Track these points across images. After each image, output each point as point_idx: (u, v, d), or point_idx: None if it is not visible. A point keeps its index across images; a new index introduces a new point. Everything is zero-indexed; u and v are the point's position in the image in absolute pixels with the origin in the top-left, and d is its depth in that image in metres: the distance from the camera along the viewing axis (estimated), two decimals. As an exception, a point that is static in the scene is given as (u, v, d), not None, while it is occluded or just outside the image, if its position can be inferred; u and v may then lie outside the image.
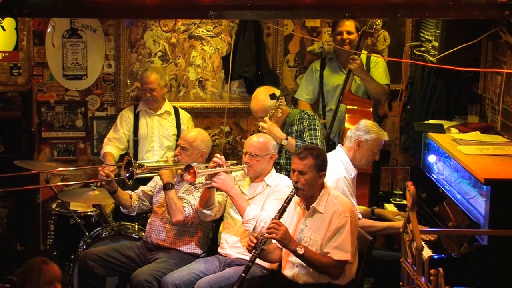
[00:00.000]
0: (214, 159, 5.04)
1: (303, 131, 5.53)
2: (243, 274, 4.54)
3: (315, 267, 4.55)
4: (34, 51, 6.52)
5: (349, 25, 6.03)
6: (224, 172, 4.98)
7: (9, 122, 6.77)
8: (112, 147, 6.21)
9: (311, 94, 6.32)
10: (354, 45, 6.03)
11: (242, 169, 5.16)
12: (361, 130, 5.26)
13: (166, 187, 5.20)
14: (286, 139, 5.40)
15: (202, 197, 5.10)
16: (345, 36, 6.03)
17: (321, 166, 4.62)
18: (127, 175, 5.12)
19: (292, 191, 4.63)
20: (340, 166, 5.17)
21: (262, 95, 5.56)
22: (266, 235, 4.52)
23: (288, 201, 4.63)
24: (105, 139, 6.30)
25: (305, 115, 5.59)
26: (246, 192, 5.17)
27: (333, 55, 6.28)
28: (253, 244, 4.53)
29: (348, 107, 5.94)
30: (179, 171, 5.39)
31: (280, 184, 5.11)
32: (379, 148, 5.31)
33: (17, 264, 6.33)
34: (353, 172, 5.24)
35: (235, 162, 5.38)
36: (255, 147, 5.13)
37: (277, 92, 5.56)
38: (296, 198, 4.73)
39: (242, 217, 4.95)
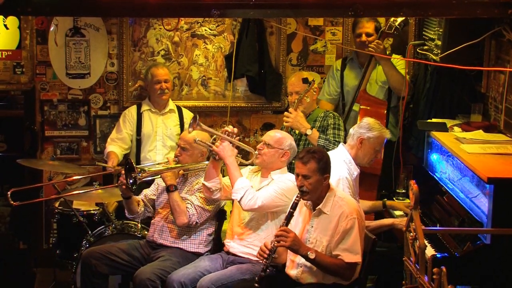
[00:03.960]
0: (225, 128, 5.10)
1: (326, 128, 5.56)
2: (256, 285, 4.54)
3: (326, 270, 4.55)
4: (37, 50, 6.53)
5: (368, 26, 6.02)
6: (229, 142, 5.04)
7: (12, 121, 6.77)
8: (116, 146, 6.20)
9: (332, 93, 6.32)
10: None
11: (251, 152, 5.23)
12: (364, 127, 5.26)
13: (169, 189, 5.21)
14: (311, 129, 5.49)
15: (207, 170, 5.14)
16: (364, 38, 6.02)
17: (324, 169, 4.61)
18: (131, 181, 5.11)
19: (297, 196, 4.63)
20: (342, 166, 5.16)
21: (306, 74, 5.82)
22: (275, 243, 4.52)
23: (294, 206, 4.62)
24: (108, 139, 6.30)
25: (330, 114, 5.68)
26: (253, 184, 5.18)
27: (354, 56, 6.28)
28: (265, 255, 4.54)
29: (361, 107, 5.93)
30: (181, 172, 5.39)
31: (283, 177, 5.13)
32: (381, 146, 5.30)
33: (20, 263, 6.39)
34: (355, 171, 5.24)
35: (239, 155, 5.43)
36: (271, 137, 5.17)
37: (310, 78, 5.64)
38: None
39: (232, 186, 4.99)
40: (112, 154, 6.11)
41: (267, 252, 4.53)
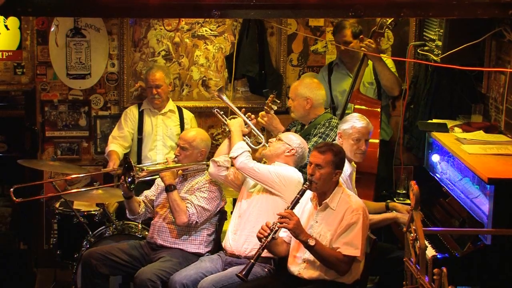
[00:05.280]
0: (249, 113, 5.41)
1: (315, 135, 5.53)
2: (252, 261, 4.54)
3: (323, 260, 4.55)
4: (37, 50, 6.54)
5: (345, 34, 6.05)
6: (243, 121, 5.32)
7: (13, 121, 6.77)
8: (117, 145, 6.21)
9: None
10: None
11: (262, 142, 5.37)
12: (342, 122, 5.31)
13: (168, 189, 5.20)
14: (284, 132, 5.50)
15: (219, 148, 5.42)
16: (342, 47, 6.06)
17: (338, 164, 4.64)
18: (129, 179, 5.12)
19: (305, 184, 4.65)
20: None
21: (307, 81, 5.69)
22: (278, 224, 4.53)
23: (301, 193, 4.65)
24: (110, 137, 6.31)
25: (327, 123, 5.56)
26: None
27: (339, 60, 6.30)
28: (265, 233, 4.54)
29: (356, 106, 5.92)
30: (180, 172, 5.40)
31: (286, 166, 5.14)
32: (360, 137, 5.20)
33: (21, 263, 6.39)
34: (349, 168, 5.22)
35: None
36: (285, 134, 5.30)
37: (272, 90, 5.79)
38: (310, 194, 4.74)
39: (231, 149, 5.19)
40: (113, 154, 6.11)
41: (268, 231, 4.54)
